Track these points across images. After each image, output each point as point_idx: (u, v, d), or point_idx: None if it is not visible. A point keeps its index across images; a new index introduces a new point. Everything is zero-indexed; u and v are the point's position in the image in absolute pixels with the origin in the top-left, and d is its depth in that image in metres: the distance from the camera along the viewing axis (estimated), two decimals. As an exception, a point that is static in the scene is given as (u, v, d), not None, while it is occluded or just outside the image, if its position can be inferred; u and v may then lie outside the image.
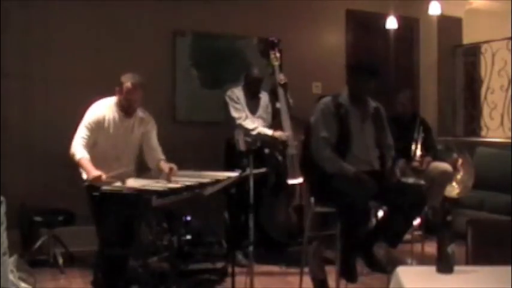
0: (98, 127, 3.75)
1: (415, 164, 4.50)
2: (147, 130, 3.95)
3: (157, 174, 3.81)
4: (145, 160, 3.97)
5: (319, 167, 3.58)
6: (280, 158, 4.78)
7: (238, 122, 4.65)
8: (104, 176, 3.51)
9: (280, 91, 4.79)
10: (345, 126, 3.59)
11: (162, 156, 3.91)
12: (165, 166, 3.72)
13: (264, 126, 4.80)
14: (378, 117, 3.75)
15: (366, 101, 3.72)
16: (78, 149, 3.67)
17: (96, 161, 3.66)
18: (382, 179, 3.56)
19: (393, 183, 3.65)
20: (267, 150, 4.76)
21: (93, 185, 3.52)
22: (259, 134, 4.68)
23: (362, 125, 3.66)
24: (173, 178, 3.54)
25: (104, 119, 3.77)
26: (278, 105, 4.83)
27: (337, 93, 3.76)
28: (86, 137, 3.72)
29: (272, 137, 4.70)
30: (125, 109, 3.80)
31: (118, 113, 3.82)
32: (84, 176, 3.71)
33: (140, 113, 3.91)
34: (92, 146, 3.74)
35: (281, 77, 4.83)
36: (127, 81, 3.74)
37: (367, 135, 3.66)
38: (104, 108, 3.81)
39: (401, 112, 4.83)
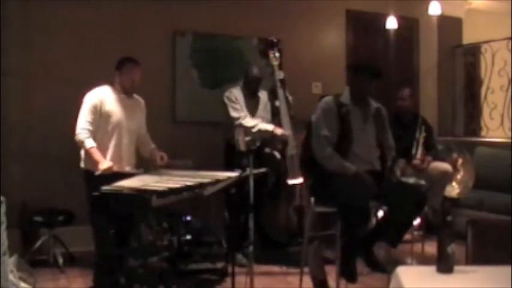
0: (100, 109, 3.78)
1: (416, 162, 4.50)
2: (142, 115, 4.07)
3: (149, 162, 3.99)
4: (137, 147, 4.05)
5: (320, 165, 3.57)
6: (280, 157, 4.78)
7: (237, 121, 4.65)
8: (115, 167, 3.63)
9: (280, 90, 4.78)
10: (346, 125, 3.59)
11: (152, 145, 4.06)
12: (157, 154, 3.92)
13: (264, 124, 4.78)
14: (379, 117, 3.75)
15: (367, 102, 3.71)
16: (86, 136, 3.70)
17: (98, 145, 3.73)
18: (382, 178, 3.57)
19: (393, 183, 3.65)
20: (267, 150, 4.75)
21: (91, 172, 3.62)
22: (259, 130, 4.64)
23: (363, 124, 3.66)
24: (173, 177, 3.54)
25: (105, 101, 3.81)
26: (277, 103, 4.82)
27: (338, 93, 3.77)
28: (90, 120, 3.75)
29: (273, 133, 4.68)
30: (126, 89, 3.89)
31: (118, 96, 3.88)
32: (82, 164, 3.81)
33: (135, 95, 4.02)
34: (95, 131, 3.76)
35: (279, 73, 4.82)
36: (127, 61, 3.88)
37: (368, 134, 3.66)
38: (102, 93, 3.86)
39: (401, 108, 4.81)
